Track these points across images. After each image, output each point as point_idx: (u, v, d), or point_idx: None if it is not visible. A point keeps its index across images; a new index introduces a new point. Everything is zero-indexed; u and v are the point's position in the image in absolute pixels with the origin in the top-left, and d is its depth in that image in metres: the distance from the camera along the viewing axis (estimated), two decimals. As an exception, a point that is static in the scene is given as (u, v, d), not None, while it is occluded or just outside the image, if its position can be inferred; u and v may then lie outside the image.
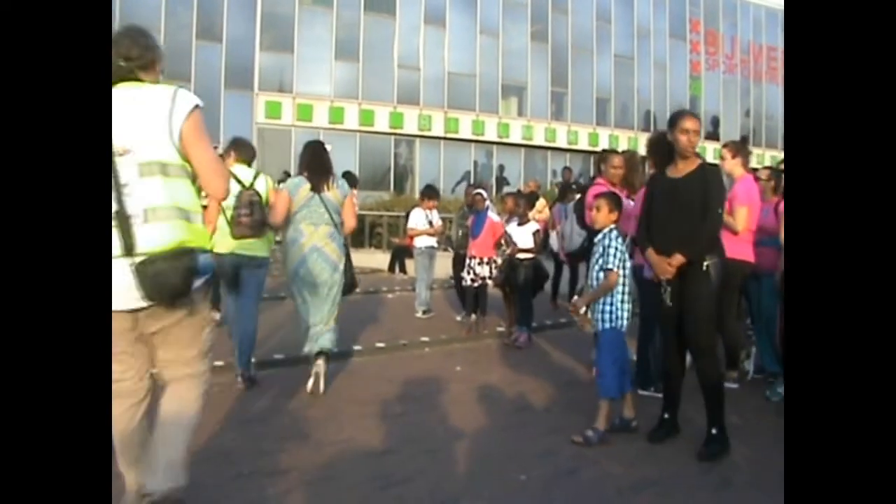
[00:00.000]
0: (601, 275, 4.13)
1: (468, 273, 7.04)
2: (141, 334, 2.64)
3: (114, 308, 2.41)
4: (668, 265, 3.88)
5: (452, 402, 4.81)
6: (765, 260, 5.04)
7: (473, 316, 7.34)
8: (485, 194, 7.50)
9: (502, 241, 6.91)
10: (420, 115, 22.01)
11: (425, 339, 6.83)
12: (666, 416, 4.14)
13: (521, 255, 6.77)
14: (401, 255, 12.50)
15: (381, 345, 6.50)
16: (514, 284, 6.82)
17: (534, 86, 24.08)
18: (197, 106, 2.60)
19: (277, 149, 19.56)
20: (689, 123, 3.92)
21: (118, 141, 2.48)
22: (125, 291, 2.45)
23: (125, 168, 2.49)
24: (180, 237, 2.53)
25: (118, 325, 2.51)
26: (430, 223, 8.28)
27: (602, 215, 4.20)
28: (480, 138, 23.17)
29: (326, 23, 20.82)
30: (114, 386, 2.54)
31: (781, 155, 26.40)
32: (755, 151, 26.61)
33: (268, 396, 4.88)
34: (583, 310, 4.16)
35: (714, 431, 3.84)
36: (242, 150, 5.28)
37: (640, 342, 5.16)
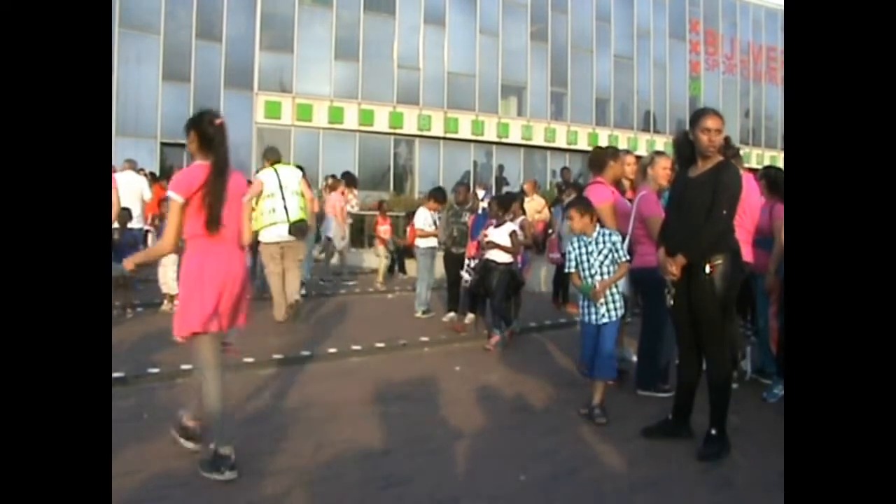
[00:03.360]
0: (612, 267, 4.47)
1: (468, 273, 7.03)
2: (282, 254, 7.22)
3: (276, 241, 7.12)
4: (670, 266, 3.88)
5: (452, 402, 4.81)
6: (762, 260, 5.04)
7: (471, 315, 7.34)
8: (481, 195, 7.48)
9: (484, 243, 6.71)
10: (420, 115, 21.99)
11: (425, 339, 6.82)
12: (669, 417, 4.13)
13: (496, 259, 6.61)
14: (400, 255, 12.49)
15: (380, 345, 6.50)
16: (487, 288, 6.72)
17: (533, 86, 24.06)
18: (304, 174, 7.75)
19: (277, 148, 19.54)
20: (710, 122, 3.82)
21: (284, 182, 7.10)
22: (283, 234, 7.04)
23: (286, 192, 7.05)
24: (301, 216, 7.11)
25: (275, 249, 7.19)
26: (435, 223, 8.26)
27: (584, 222, 4.49)
28: (480, 138, 23.14)
29: (326, 23, 20.79)
30: (272, 269, 7.29)
31: (781, 155, 26.38)
32: (755, 152, 26.65)
33: (267, 396, 4.88)
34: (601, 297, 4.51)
35: (713, 432, 3.83)
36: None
37: (642, 343, 5.16)
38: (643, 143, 25.43)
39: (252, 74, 19.74)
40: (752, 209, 5.11)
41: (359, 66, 21.08)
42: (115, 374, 4.86)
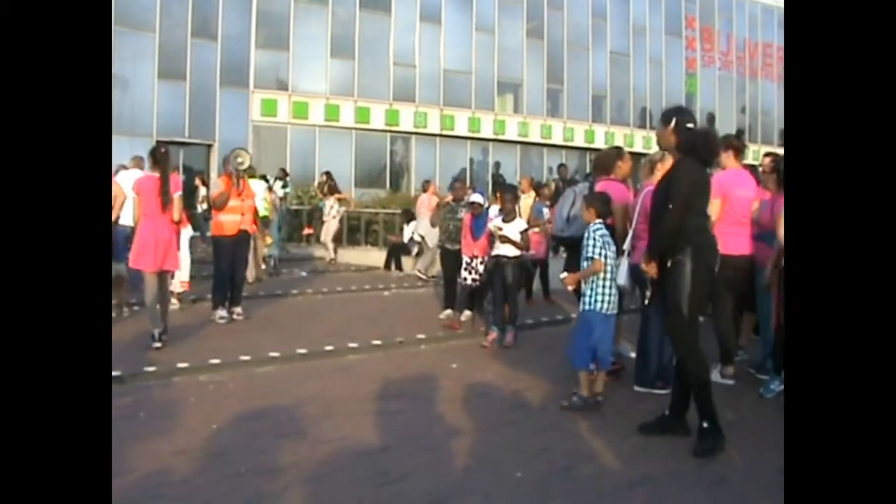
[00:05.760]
0: (585, 263, 4.69)
1: (468, 272, 7.01)
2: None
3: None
4: (643, 265, 4.01)
5: (448, 400, 4.81)
6: (764, 254, 5.03)
7: (468, 312, 7.33)
8: (481, 200, 7.33)
9: (495, 236, 6.65)
10: (416, 113, 21.96)
11: (421, 336, 6.82)
12: (666, 413, 4.13)
13: (508, 254, 6.56)
14: (396, 252, 12.50)
15: (377, 342, 6.49)
16: (502, 283, 6.67)
17: (529, 83, 24.05)
18: (268, 187, 11.28)
19: (273, 146, 19.54)
20: None
21: (255, 191, 8.23)
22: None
23: (257, 198, 8.32)
24: (265, 213, 10.28)
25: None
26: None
27: (589, 213, 4.76)
28: (476, 135, 23.14)
29: (322, 20, 20.74)
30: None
31: (777, 151, 26.39)
32: (751, 148, 26.66)
33: (263, 394, 4.87)
34: (570, 287, 5.07)
35: (705, 425, 3.81)
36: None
37: (640, 340, 5.16)
38: (640, 140, 25.45)
39: (248, 72, 19.68)
40: (739, 202, 5.14)
41: (355, 63, 21.04)
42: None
